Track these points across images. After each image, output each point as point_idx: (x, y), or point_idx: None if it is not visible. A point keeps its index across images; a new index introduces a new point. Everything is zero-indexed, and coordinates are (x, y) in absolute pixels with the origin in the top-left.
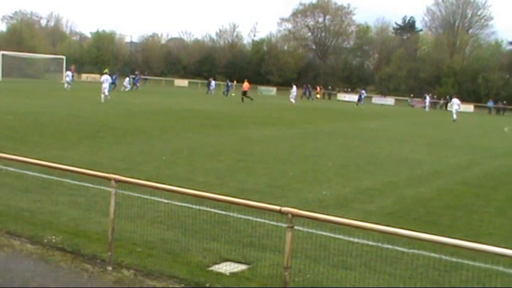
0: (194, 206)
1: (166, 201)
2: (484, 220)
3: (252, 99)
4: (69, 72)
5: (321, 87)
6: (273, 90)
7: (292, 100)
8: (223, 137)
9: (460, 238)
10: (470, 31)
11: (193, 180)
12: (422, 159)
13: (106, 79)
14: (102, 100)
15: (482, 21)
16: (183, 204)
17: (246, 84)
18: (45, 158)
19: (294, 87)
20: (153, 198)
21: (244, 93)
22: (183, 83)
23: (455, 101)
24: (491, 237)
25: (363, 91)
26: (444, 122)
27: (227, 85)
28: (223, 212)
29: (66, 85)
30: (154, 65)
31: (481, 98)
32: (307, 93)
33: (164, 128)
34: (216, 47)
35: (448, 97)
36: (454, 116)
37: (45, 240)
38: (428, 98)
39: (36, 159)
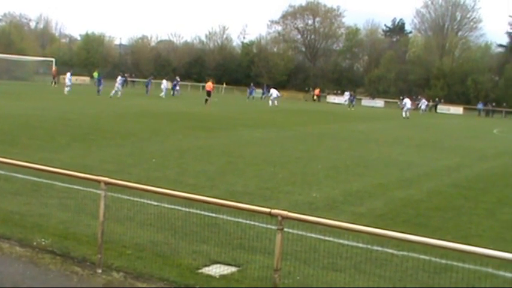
0: (184, 209)
1: (156, 203)
2: (473, 222)
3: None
4: (68, 74)
5: (320, 89)
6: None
7: (276, 103)
8: (213, 139)
9: (449, 240)
10: (460, 33)
11: (183, 182)
12: (411, 161)
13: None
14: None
15: (472, 23)
16: (173, 206)
17: (209, 84)
18: (34, 160)
19: (273, 90)
20: (142, 200)
21: (208, 93)
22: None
23: (407, 101)
24: (480, 239)
25: (347, 93)
26: (433, 124)
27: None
28: (213, 215)
29: (66, 89)
30: (144, 67)
31: (471, 100)
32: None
33: (154, 130)
34: (205, 50)
35: (437, 99)
36: (403, 114)
37: (35, 243)
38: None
39: (26, 161)
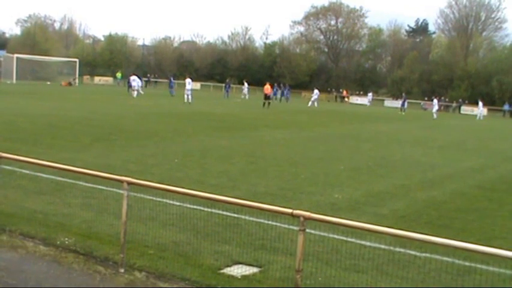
0: (206, 209)
1: (178, 203)
2: (497, 224)
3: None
4: (135, 77)
5: (347, 90)
6: None
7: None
8: (235, 140)
9: (472, 242)
10: (484, 34)
11: (205, 182)
12: (434, 162)
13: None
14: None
15: (496, 23)
16: (195, 206)
17: (267, 87)
18: (58, 160)
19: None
20: (165, 200)
21: (266, 97)
22: (196, 85)
23: (435, 101)
24: (504, 241)
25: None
26: (456, 125)
27: (227, 86)
28: (235, 215)
29: (135, 93)
30: (167, 67)
31: (495, 101)
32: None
33: (176, 130)
34: (228, 50)
35: (460, 100)
36: (434, 116)
37: (58, 242)
38: (435, 102)
39: (50, 161)
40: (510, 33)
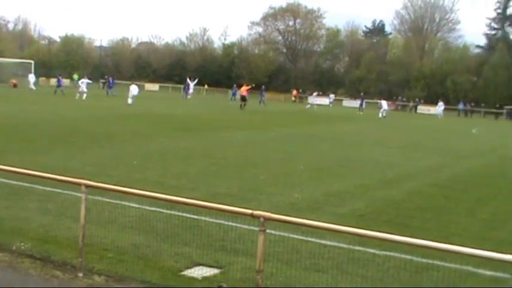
0: (165, 211)
1: (137, 205)
2: (453, 221)
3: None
4: (85, 80)
5: (298, 90)
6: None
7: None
8: (195, 141)
9: (430, 239)
10: (439, 35)
11: (165, 184)
12: (393, 161)
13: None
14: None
15: (450, 24)
16: (154, 208)
17: (243, 89)
18: (14, 164)
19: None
20: (123, 203)
21: (243, 98)
22: (154, 87)
23: (384, 102)
24: (460, 238)
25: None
26: (415, 124)
27: (187, 86)
28: (195, 216)
29: (84, 95)
30: (125, 69)
31: (450, 100)
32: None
33: (135, 132)
34: (186, 51)
35: (417, 100)
36: (380, 115)
37: (14, 248)
38: (383, 102)
39: (5, 165)
40: (464, 34)
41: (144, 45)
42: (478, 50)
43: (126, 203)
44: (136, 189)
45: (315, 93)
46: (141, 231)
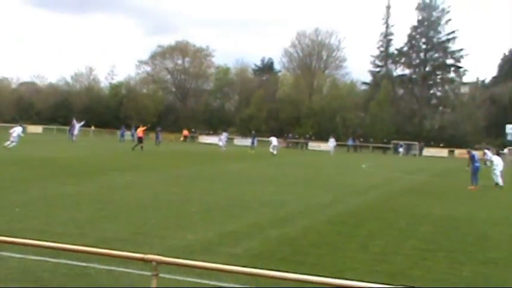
0: (51, 259)
1: (19, 255)
2: (347, 256)
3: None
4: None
5: (190, 129)
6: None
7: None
8: (82, 185)
9: (325, 275)
10: (327, 72)
11: (50, 231)
12: (285, 199)
13: None
14: None
15: (337, 62)
16: (39, 258)
17: (139, 130)
18: None
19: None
20: (3, 253)
21: (140, 140)
22: (37, 129)
23: (273, 139)
24: (354, 272)
25: (225, 133)
26: (305, 161)
27: (73, 128)
28: (84, 264)
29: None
30: (5, 110)
31: (340, 136)
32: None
33: (15, 178)
34: (72, 91)
35: (308, 136)
36: (271, 150)
37: None
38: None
39: None
40: (350, 71)
41: (26, 86)
42: (364, 87)
43: (7, 254)
44: (18, 238)
45: (224, 134)
46: (24, 283)
